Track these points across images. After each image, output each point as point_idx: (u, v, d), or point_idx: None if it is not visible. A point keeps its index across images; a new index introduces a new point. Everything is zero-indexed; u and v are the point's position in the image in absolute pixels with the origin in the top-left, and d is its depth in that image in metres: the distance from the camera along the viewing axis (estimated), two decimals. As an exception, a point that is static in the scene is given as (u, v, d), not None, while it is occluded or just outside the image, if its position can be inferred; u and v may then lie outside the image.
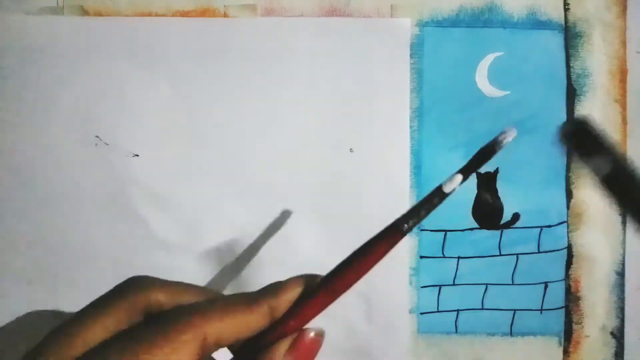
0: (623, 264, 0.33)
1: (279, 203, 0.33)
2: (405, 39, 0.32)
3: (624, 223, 0.33)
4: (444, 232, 0.33)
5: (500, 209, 0.33)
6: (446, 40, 0.33)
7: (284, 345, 0.19)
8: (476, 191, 0.33)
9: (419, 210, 0.20)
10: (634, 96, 0.33)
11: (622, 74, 0.33)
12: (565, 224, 0.33)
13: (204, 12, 0.32)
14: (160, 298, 0.20)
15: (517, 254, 0.33)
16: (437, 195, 0.20)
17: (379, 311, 0.33)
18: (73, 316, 0.19)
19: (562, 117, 0.33)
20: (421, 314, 0.33)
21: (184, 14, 0.32)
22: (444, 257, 0.33)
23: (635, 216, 0.15)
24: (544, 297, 0.33)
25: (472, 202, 0.33)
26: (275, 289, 0.20)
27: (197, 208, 0.33)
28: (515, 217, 0.33)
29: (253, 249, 0.33)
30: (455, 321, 0.33)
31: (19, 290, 0.33)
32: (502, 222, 0.33)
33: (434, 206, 0.20)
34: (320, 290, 0.20)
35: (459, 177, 0.19)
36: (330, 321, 0.32)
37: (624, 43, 0.33)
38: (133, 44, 0.32)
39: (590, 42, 0.33)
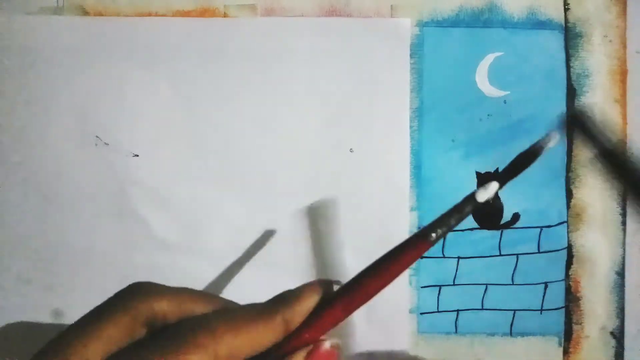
0: (623, 264, 0.33)
1: (279, 203, 0.33)
2: (405, 39, 0.32)
3: (624, 223, 0.33)
4: (444, 232, 0.33)
5: (500, 209, 0.33)
6: (446, 40, 0.33)
7: (299, 358, 0.18)
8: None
9: (448, 219, 0.18)
10: (634, 96, 0.33)
11: (622, 74, 0.33)
12: (565, 224, 0.33)
13: (204, 12, 0.32)
14: (165, 307, 0.18)
15: (517, 254, 0.33)
16: (469, 204, 0.18)
17: (379, 311, 0.33)
18: (70, 328, 0.18)
19: (562, 117, 0.33)
20: (421, 314, 0.33)
21: (184, 14, 0.32)
22: (444, 257, 0.33)
23: (632, 189, 0.16)
24: (544, 297, 0.33)
25: (472, 202, 0.33)
26: (289, 299, 0.19)
27: (197, 208, 0.33)
28: (515, 217, 0.33)
29: (253, 249, 0.33)
30: (455, 321, 0.33)
31: (19, 290, 0.33)
32: (502, 222, 0.33)
33: (465, 215, 0.18)
34: (338, 301, 0.18)
35: (495, 185, 0.18)
36: (330, 321, 0.32)
37: (624, 43, 0.33)
38: (133, 44, 0.32)
39: (590, 42, 0.33)
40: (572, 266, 0.33)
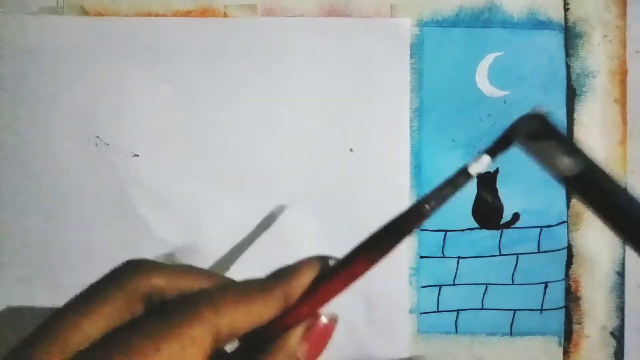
0: (623, 264, 0.33)
1: (279, 203, 0.33)
2: (405, 39, 0.32)
3: (624, 223, 0.33)
4: (443, 232, 0.33)
5: (500, 209, 0.33)
6: (446, 40, 0.33)
7: (298, 332, 0.18)
8: (476, 191, 0.33)
9: (442, 191, 0.18)
10: (634, 96, 0.33)
11: (622, 74, 0.33)
12: (565, 223, 0.33)
13: (204, 12, 0.32)
14: (162, 283, 0.18)
15: (517, 254, 0.33)
16: (462, 177, 0.18)
17: (379, 311, 0.33)
18: (67, 305, 0.18)
19: (562, 117, 0.33)
20: (421, 314, 0.33)
21: (184, 14, 0.32)
22: (444, 257, 0.33)
23: (609, 219, 0.15)
24: (544, 297, 0.33)
25: (472, 202, 0.33)
26: (288, 273, 0.19)
27: (197, 208, 0.33)
28: (515, 217, 0.33)
29: (253, 249, 0.33)
30: (455, 321, 0.33)
31: (19, 290, 0.33)
32: (502, 222, 0.33)
33: (458, 188, 0.18)
34: (335, 274, 0.19)
35: (487, 158, 0.18)
36: (330, 321, 0.32)
37: (624, 43, 0.33)
38: (133, 44, 0.32)
39: (590, 42, 0.33)
40: (572, 266, 0.33)
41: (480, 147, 0.33)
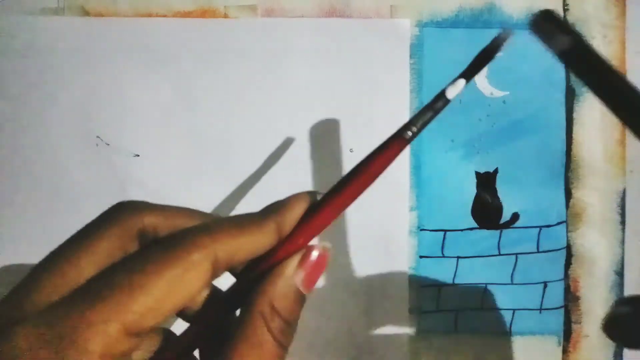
0: (622, 264, 0.33)
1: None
2: (405, 40, 0.33)
3: (623, 223, 0.33)
4: (443, 232, 0.33)
5: (499, 209, 0.33)
6: (446, 40, 0.33)
7: (295, 259, 0.19)
8: (475, 191, 0.33)
9: (422, 116, 0.19)
10: (633, 96, 0.33)
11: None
12: (565, 223, 0.33)
13: (204, 13, 0.32)
14: (155, 221, 0.18)
15: (516, 254, 0.33)
16: (440, 100, 0.19)
17: (379, 311, 0.33)
18: (62, 245, 0.18)
19: (562, 117, 0.33)
20: (421, 313, 0.33)
21: (184, 14, 0.32)
22: (444, 257, 0.33)
23: (593, 86, 0.16)
24: (543, 296, 0.33)
25: (472, 202, 0.33)
26: (279, 207, 0.19)
27: (197, 208, 0.33)
28: (515, 217, 0.33)
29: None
30: (455, 321, 0.33)
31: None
32: (502, 222, 0.33)
33: (437, 112, 0.19)
34: (325, 204, 0.19)
35: (462, 81, 0.19)
36: (331, 321, 0.32)
37: (623, 43, 0.33)
38: (133, 44, 0.32)
39: (590, 42, 0.33)
40: (571, 266, 0.33)
41: (479, 148, 0.33)
